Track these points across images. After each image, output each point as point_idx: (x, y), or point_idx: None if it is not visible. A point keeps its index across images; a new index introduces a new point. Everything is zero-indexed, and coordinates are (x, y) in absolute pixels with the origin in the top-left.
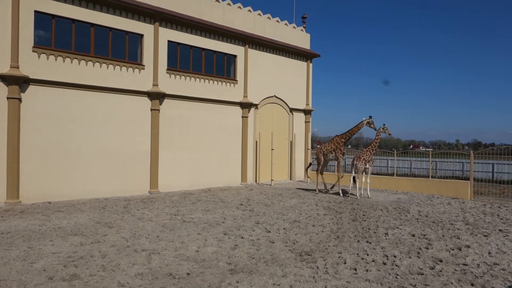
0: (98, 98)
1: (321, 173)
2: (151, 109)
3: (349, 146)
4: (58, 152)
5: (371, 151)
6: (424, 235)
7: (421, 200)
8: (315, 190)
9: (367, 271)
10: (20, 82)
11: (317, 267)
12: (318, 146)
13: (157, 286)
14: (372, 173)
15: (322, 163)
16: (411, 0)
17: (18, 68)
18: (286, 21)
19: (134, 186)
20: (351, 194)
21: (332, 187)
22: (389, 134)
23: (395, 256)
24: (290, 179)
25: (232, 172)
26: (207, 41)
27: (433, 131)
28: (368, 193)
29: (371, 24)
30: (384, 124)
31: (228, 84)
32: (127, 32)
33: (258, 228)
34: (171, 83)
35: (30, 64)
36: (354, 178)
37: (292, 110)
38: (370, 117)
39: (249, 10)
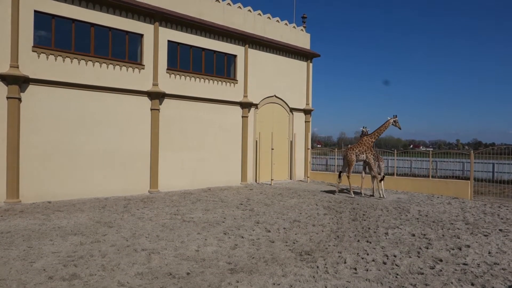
0: (98, 98)
1: (348, 176)
2: (151, 109)
3: (349, 146)
4: (58, 151)
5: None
6: (424, 234)
7: (421, 200)
8: (349, 193)
9: (367, 270)
10: (20, 82)
11: (317, 267)
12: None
13: (157, 285)
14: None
15: (353, 165)
16: (412, 5)
17: (18, 67)
18: (286, 21)
19: (134, 185)
20: (371, 195)
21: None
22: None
23: (395, 256)
24: (290, 179)
25: (232, 172)
26: (207, 41)
27: (433, 131)
28: (378, 193)
29: (371, 26)
30: (395, 115)
31: (228, 84)
32: (127, 32)
33: (258, 227)
34: (171, 83)
35: (30, 64)
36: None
37: (292, 110)
38: (396, 116)
39: (249, 10)
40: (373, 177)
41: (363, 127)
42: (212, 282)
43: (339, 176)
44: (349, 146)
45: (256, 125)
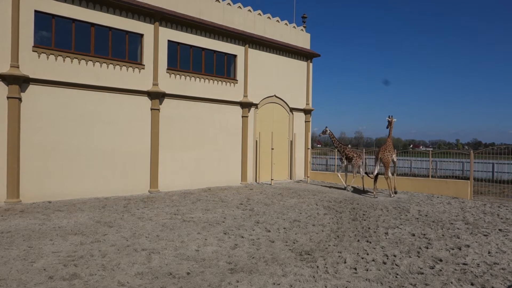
0: (98, 97)
1: (387, 177)
2: (151, 109)
3: (349, 146)
4: (58, 151)
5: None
6: (424, 234)
7: (421, 200)
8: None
9: (367, 270)
10: (20, 82)
11: (317, 267)
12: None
13: (157, 285)
14: (373, 173)
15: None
16: (412, 5)
17: (18, 67)
18: (286, 21)
19: (134, 185)
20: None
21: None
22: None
23: (395, 256)
24: (290, 179)
25: (232, 172)
26: (207, 41)
27: (433, 131)
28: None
29: (372, 26)
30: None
31: (228, 83)
32: (127, 32)
33: (258, 227)
34: (171, 82)
35: (30, 64)
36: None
37: (292, 109)
38: (392, 116)
39: (249, 10)
40: (375, 177)
41: (326, 127)
42: (212, 282)
43: (376, 180)
44: (383, 147)
45: (256, 125)
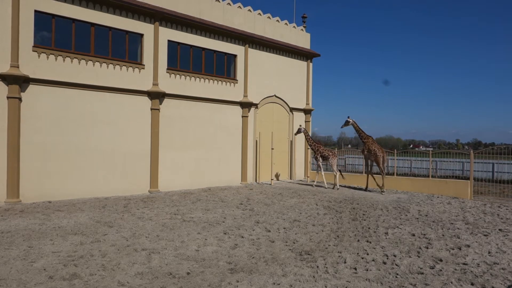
0: (98, 97)
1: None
2: (151, 109)
3: (349, 146)
4: (58, 151)
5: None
6: (424, 234)
7: (421, 200)
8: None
9: (367, 270)
10: (20, 82)
11: (317, 267)
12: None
13: (157, 285)
14: (373, 173)
15: None
16: (412, 5)
17: (18, 67)
18: (286, 21)
19: (134, 185)
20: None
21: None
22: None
23: (395, 256)
24: (290, 179)
25: (232, 172)
26: (207, 41)
27: (433, 131)
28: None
29: (371, 26)
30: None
31: (228, 83)
32: (127, 32)
33: (258, 227)
34: (171, 82)
35: (30, 64)
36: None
37: (292, 109)
38: (348, 117)
39: (249, 10)
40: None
41: (300, 125)
42: (212, 282)
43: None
44: (380, 147)
45: (256, 125)
